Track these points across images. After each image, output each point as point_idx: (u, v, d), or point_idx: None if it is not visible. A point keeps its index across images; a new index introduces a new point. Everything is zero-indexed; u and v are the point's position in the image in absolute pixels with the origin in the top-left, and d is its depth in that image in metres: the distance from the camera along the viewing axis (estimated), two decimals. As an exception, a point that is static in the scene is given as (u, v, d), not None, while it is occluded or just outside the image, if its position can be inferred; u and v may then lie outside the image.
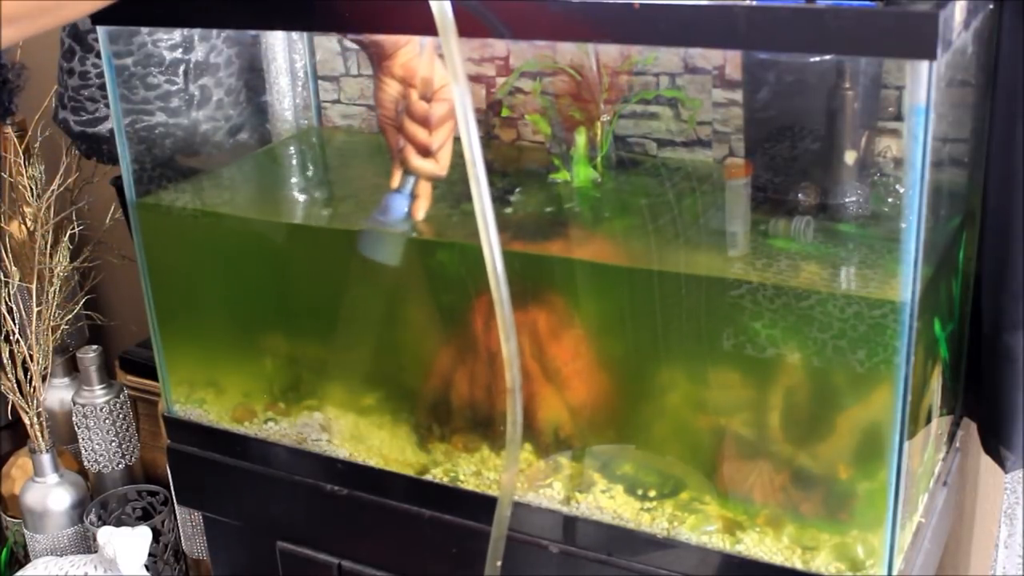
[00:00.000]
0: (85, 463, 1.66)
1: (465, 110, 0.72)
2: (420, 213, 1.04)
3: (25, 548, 1.68)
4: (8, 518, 1.75)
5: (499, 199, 1.09)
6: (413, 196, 1.03)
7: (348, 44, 1.28)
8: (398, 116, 1.01)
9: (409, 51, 1.00)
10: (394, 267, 1.06)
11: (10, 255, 1.58)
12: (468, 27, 0.75)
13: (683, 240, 1.01)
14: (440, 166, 1.02)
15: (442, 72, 1.00)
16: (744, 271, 0.92)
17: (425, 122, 1.01)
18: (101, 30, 1.10)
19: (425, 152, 1.02)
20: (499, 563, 0.84)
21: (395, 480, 1.06)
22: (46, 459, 1.62)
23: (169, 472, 1.25)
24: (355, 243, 1.06)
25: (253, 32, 1.26)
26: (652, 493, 0.96)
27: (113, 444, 1.64)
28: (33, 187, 1.58)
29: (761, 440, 0.92)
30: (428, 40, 0.99)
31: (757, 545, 0.91)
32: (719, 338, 0.89)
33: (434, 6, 0.73)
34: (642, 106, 1.13)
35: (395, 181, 1.03)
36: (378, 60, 1.01)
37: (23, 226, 1.61)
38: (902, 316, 0.80)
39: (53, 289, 1.59)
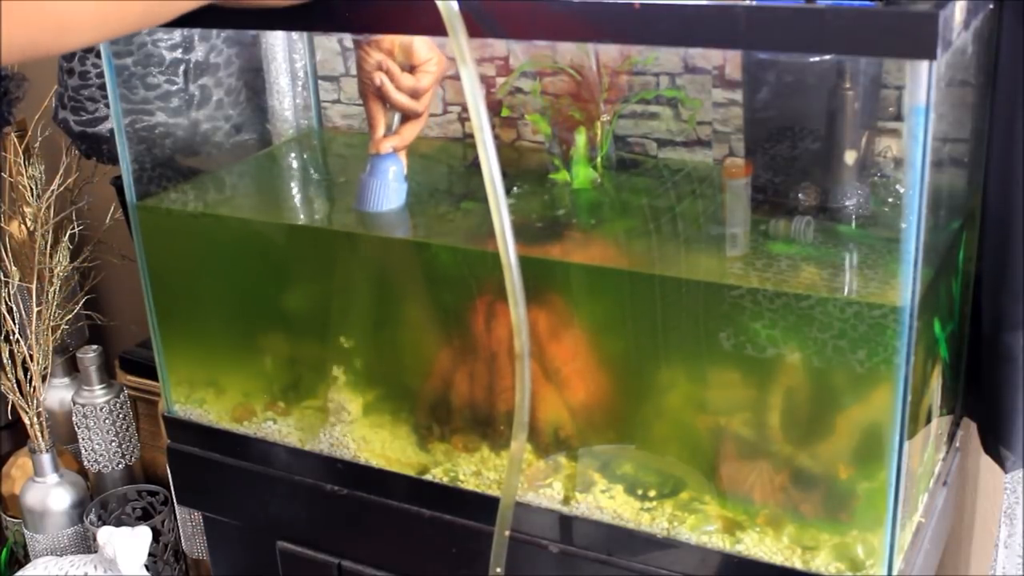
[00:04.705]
0: (85, 463, 1.66)
1: (479, 112, 0.73)
2: (387, 146, 1.06)
3: (25, 548, 1.68)
4: (8, 518, 1.75)
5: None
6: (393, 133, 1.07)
7: (348, 44, 1.28)
8: (379, 84, 1.04)
9: None
10: (394, 269, 1.06)
11: (10, 255, 1.58)
12: (468, 27, 0.75)
13: (683, 240, 1.01)
14: (417, 105, 1.06)
15: (425, 48, 1.04)
16: (744, 272, 0.92)
17: (414, 94, 1.05)
18: (101, 30, 1.10)
19: (414, 114, 1.06)
20: (507, 533, 0.84)
21: (395, 480, 1.06)
22: (46, 459, 1.62)
23: (169, 472, 1.25)
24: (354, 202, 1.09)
25: (253, 32, 1.26)
26: (652, 493, 0.96)
27: (113, 444, 1.64)
28: (33, 187, 1.58)
29: (761, 440, 0.91)
30: None
31: (757, 545, 0.91)
32: (719, 338, 0.89)
33: (441, 6, 0.73)
34: (642, 106, 1.13)
35: (374, 147, 1.06)
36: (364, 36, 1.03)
37: (23, 226, 1.61)
38: (902, 317, 0.80)
39: (53, 289, 1.59)
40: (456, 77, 1.22)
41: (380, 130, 1.06)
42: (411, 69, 1.05)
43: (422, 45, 1.04)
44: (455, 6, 0.73)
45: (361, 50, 1.04)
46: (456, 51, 0.73)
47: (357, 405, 1.10)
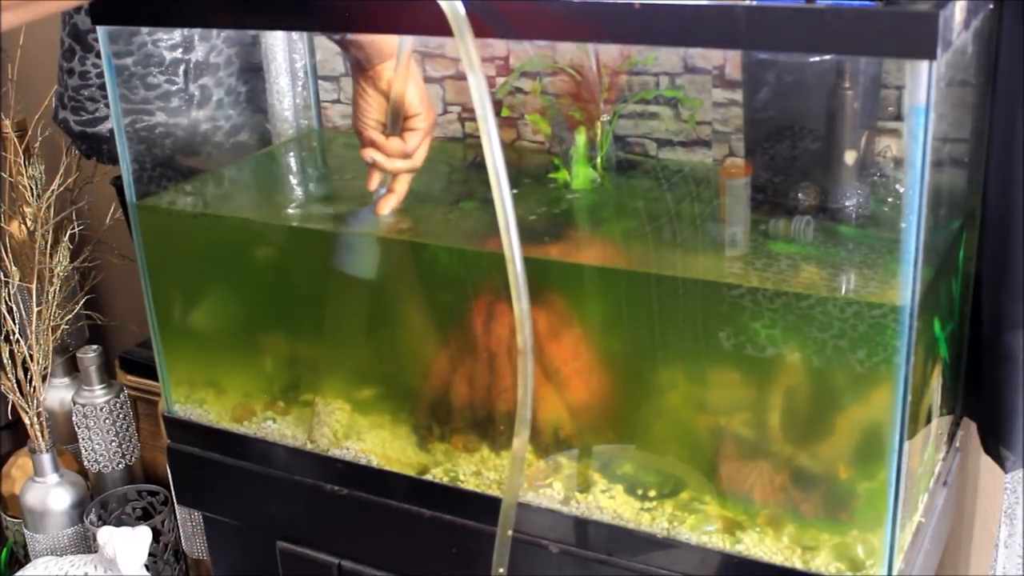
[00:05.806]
0: (85, 463, 1.66)
1: (487, 116, 0.73)
2: (387, 208, 1.05)
3: (25, 548, 1.68)
4: (8, 518, 1.75)
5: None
6: (387, 191, 1.05)
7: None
8: (374, 128, 1.03)
9: (391, 66, 1.01)
10: (393, 269, 1.06)
11: (10, 255, 1.58)
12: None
13: (682, 240, 1.01)
14: (413, 162, 1.04)
15: (416, 100, 1.02)
16: (744, 271, 0.92)
17: (404, 156, 1.04)
18: (101, 30, 1.10)
19: (412, 171, 1.05)
20: (509, 533, 0.83)
21: (395, 480, 1.06)
22: (46, 459, 1.62)
23: (169, 472, 1.25)
24: (332, 257, 1.07)
25: (253, 32, 1.26)
26: (652, 493, 0.96)
27: (113, 444, 1.64)
28: (33, 187, 1.58)
29: (761, 440, 0.92)
30: (404, 57, 0.99)
31: (757, 545, 0.91)
32: (719, 338, 0.89)
33: (446, 8, 0.73)
34: (642, 106, 1.13)
35: (372, 182, 1.05)
36: (360, 70, 1.02)
37: (23, 226, 1.62)
38: (902, 317, 0.80)
39: (53, 289, 1.59)
40: (455, 77, 1.22)
41: (375, 182, 1.05)
42: (405, 120, 1.03)
43: (414, 97, 1.02)
44: (461, 9, 0.73)
45: (361, 88, 1.02)
46: (463, 55, 0.73)
47: (357, 405, 1.10)
